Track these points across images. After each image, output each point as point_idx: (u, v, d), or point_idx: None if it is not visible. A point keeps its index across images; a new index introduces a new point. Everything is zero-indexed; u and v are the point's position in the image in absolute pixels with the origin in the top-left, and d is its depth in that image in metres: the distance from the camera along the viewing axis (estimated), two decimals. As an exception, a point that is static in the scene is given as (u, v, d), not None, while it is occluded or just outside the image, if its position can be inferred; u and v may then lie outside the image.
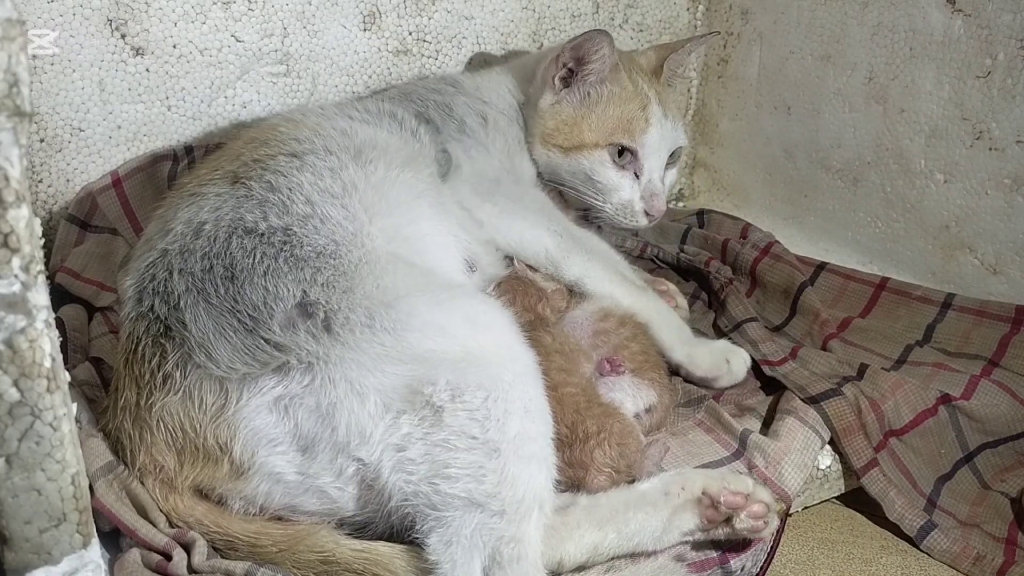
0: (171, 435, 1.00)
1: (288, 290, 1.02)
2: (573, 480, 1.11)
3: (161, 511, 1.03)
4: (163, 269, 1.06)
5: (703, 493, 1.08)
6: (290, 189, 1.11)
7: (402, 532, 1.01)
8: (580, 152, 1.50)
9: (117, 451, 1.06)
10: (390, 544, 1.00)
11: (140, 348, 1.03)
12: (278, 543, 0.99)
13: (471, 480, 0.95)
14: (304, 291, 1.02)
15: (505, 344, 1.05)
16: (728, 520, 1.07)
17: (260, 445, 1.00)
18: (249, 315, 1.00)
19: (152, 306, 1.04)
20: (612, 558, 1.07)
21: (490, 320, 1.07)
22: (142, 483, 1.04)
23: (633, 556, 1.07)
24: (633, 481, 1.13)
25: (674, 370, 1.39)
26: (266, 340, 0.99)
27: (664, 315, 1.40)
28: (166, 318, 1.03)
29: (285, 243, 1.05)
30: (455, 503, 0.95)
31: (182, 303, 1.02)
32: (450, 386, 0.97)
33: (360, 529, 1.04)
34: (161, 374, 1.01)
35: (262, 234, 1.06)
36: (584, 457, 1.12)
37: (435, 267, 1.19)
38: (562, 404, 1.10)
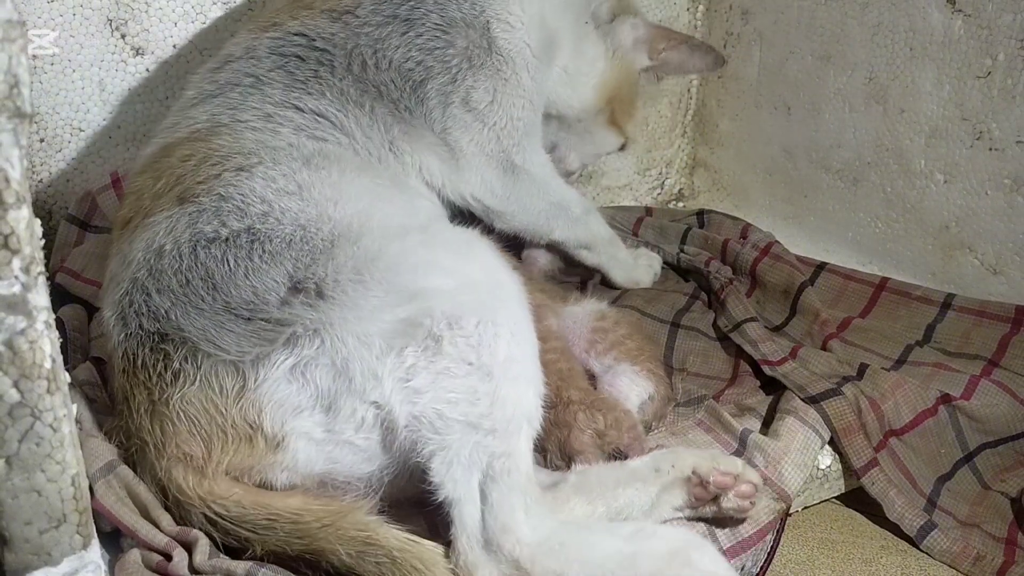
0: (195, 424, 1.01)
1: (275, 282, 1.03)
2: (558, 440, 1.15)
3: (193, 498, 1.02)
4: (140, 293, 1.05)
5: (692, 472, 1.09)
6: (243, 195, 1.09)
7: (415, 479, 1.03)
8: (621, 128, 1.63)
9: (136, 458, 1.05)
10: (434, 544, 1.01)
11: (139, 361, 1.03)
12: (321, 519, 0.99)
13: (467, 404, 0.99)
14: (290, 276, 1.03)
15: (489, 269, 1.09)
16: (716, 499, 1.09)
17: (287, 414, 1.01)
18: (244, 309, 1.02)
19: (140, 325, 1.04)
20: None
21: (472, 248, 1.11)
22: (165, 475, 1.03)
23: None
24: (618, 455, 1.16)
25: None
26: (266, 320, 1.01)
27: None
28: (157, 331, 1.03)
29: (253, 241, 1.05)
30: (454, 427, 0.99)
31: (171, 315, 1.02)
32: (446, 315, 1.00)
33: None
34: (170, 373, 1.01)
35: (226, 239, 1.05)
36: (568, 417, 1.15)
37: (407, 212, 1.20)
38: (546, 368, 1.12)
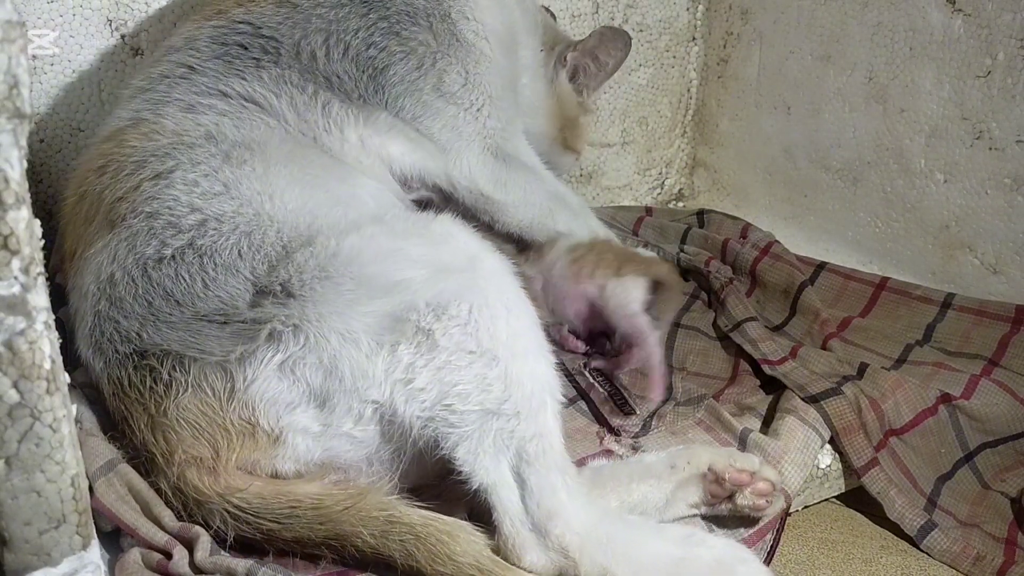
0: (196, 428, 1.00)
1: (238, 289, 1.02)
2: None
3: (212, 496, 1.01)
4: (108, 324, 1.04)
5: (708, 468, 1.09)
6: (169, 208, 1.06)
7: (426, 463, 1.03)
8: (574, 150, 1.62)
9: (148, 467, 1.05)
10: (454, 519, 1.01)
11: (126, 382, 1.03)
12: (341, 501, 0.99)
13: (479, 392, 0.97)
14: (252, 283, 1.02)
15: (466, 250, 1.05)
16: (731, 497, 1.09)
17: (281, 410, 1.00)
18: (217, 315, 1.01)
19: (116, 350, 1.03)
20: None
21: (442, 232, 1.07)
22: (180, 480, 1.02)
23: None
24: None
25: None
26: (242, 321, 1.01)
27: None
28: (134, 351, 1.02)
29: (202, 256, 1.04)
30: (471, 418, 0.97)
31: (144, 335, 1.02)
32: (431, 306, 0.98)
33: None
34: (161, 385, 1.01)
35: (172, 257, 1.04)
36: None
37: (351, 202, 1.16)
38: None
